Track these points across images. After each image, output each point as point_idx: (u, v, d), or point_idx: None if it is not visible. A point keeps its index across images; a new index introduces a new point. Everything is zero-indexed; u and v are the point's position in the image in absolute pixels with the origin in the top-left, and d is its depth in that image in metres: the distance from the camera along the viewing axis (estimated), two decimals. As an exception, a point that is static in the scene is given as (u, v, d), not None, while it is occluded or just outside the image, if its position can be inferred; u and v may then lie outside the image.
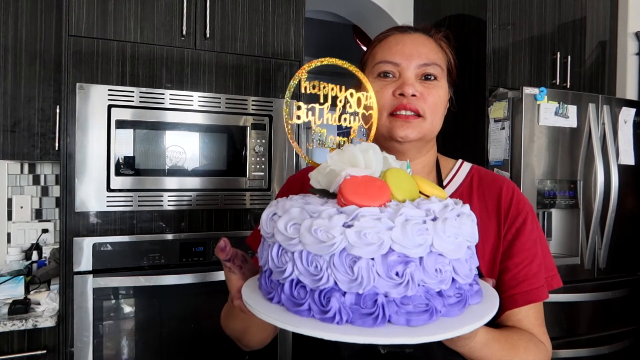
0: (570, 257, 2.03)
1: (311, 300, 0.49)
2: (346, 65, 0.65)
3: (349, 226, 0.47)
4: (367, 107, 0.66)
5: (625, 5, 2.43)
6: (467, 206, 0.56)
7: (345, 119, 0.65)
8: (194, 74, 1.75)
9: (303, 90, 0.62)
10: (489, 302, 0.55)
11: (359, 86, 0.68)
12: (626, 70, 2.42)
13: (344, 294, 0.48)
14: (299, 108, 0.62)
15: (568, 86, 2.26)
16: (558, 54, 2.24)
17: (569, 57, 2.26)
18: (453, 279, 0.50)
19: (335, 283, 0.48)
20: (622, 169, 2.08)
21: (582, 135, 2.02)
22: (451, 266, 0.50)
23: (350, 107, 0.64)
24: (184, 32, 1.71)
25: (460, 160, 0.90)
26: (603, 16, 2.41)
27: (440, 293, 0.49)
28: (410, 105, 0.78)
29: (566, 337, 1.97)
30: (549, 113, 1.95)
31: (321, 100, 0.63)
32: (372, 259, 0.47)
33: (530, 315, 0.78)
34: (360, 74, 0.67)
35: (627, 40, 2.42)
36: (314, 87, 0.62)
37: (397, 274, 0.47)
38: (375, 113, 0.66)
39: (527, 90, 1.92)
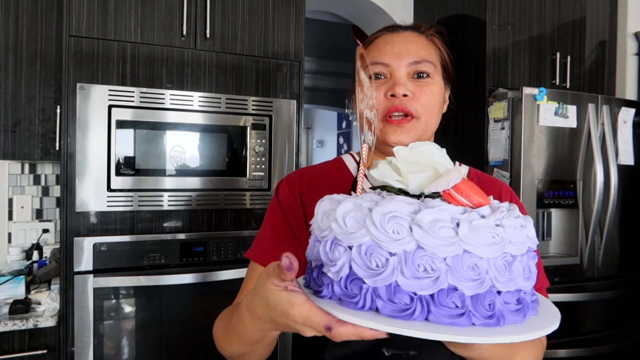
0: (569, 257, 2.03)
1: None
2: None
3: (498, 225, 0.48)
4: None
5: (624, 6, 2.43)
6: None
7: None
8: (194, 74, 1.75)
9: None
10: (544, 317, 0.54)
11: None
12: (626, 70, 2.42)
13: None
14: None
15: (568, 86, 2.26)
16: (558, 54, 2.25)
17: (569, 57, 2.26)
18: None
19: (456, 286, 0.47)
20: (622, 169, 2.09)
21: (582, 136, 2.03)
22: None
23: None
24: (184, 33, 1.71)
25: (457, 163, 0.88)
26: (602, 16, 2.41)
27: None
28: (402, 107, 0.76)
29: (566, 337, 1.97)
30: (548, 113, 1.95)
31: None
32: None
33: None
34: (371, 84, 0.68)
35: (627, 41, 2.42)
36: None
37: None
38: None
39: (527, 91, 1.93)
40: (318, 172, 0.89)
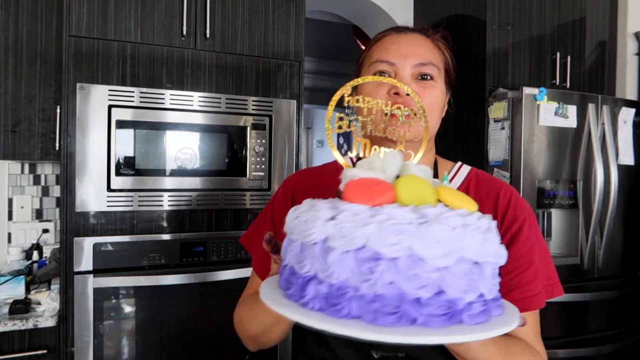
0: (569, 257, 2.03)
1: (296, 286, 0.52)
2: (360, 80, 0.68)
3: (332, 219, 0.49)
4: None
5: (624, 6, 2.43)
6: (487, 221, 0.52)
7: (391, 131, 0.67)
8: (194, 74, 1.75)
9: (346, 104, 0.64)
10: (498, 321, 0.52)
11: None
12: (626, 70, 2.42)
13: (321, 282, 0.49)
14: (341, 119, 0.63)
15: (568, 86, 2.26)
16: (558, 54, 2.25)
17: (569, 57, 2.26)
18: (442, 291, 0.48)
19: (316, 273, 0.50)
20: (622, 169, 2.08)
21: (582, 135, 2.03)
22: (438, 275, 0.47)
23: (369, 114, 0.66)
24: (184, 33, 1.71)
25: (459, 163, 0.89)
26: (603, 16, 2.41)
27: (418, 300, 0.47)
28: (406, 102, 0.75)
29: (566, 337, 1.97)
30: (548, 113, 1.95)
31: (365, 112, 0.65)
32: (347, 251, 0.47)
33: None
34: (384, 79, 0.72)
35: (627, 41, 2.42)
36: (357, 101, 0.64)
37: (368, 270, 0.47)
38: (422, 105, 0.67)
39: (527, 91, 1.93)
40: (316, 174, 0.91)
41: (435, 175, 0.85)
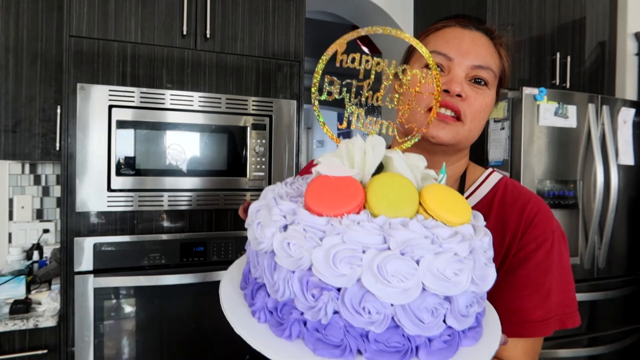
0: (569, 257, 2.03)
1: (249, 288, 0.49)
2: (402, 35, 0.54)
3: (285, 229, 0.44)
4: (424, 89, 0.56)
5: (624, 6, 2.43)
6: (468, 244, 0.44)
7: (391, 100, 0.55)
8: (194, 75, 1.75)
9: (337, 64, 0.52)
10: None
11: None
12: (625, 70, 2.42)
13: (269, 295, 0.46)
14: (331, 83, 0.52)
15: (568, 86, 2.26)
16: (558, 54, 2.25)
17: (569, 58, 2.26)
18: (396, 325, 0.41)
19: (265, 283, 0.46)
20: (622, 169, 2.09)
21: (582, 136, 2.03)
22: (392, 310, 0.41)
23: (401, 87, 0.54)
24: (185, 33, 1.71)
25: (489, 170, 0.81)
26: (602, 16, 2.41)
27: (367, 335, 0.41)
28: (453, 105, 0.70)
29: (566, 337, 1.97)
30: (548, 113, 1.95)
31: (361, 76, 0.53)
32: (293, 272, 0.42)
33: (517, 348, 0.69)
34: (422, 48, 0.55)
35: (627, 41, 2.42)
36: (353, 61, 0.52)
37: (312, 296, 0.42)
38: (438, 95, 0.56)
39: (527, 91, 1.93)
40: None
41: (463, 182, 0.79)
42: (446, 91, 0.70)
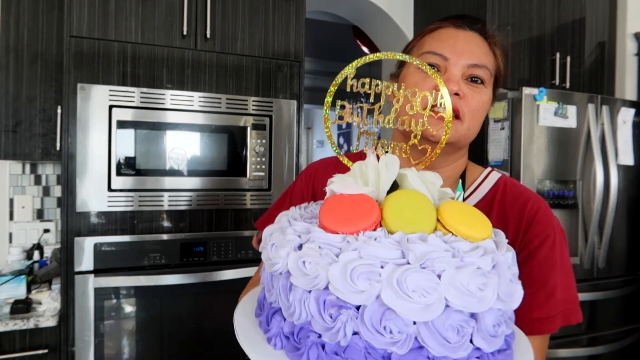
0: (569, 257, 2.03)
1: (264, 314, 0.47)
2: (409, 59, 0.56)
3: (300, 248, 0.43)
4: (434, 111, 0.57)
5: (624, 6, 2.43)
6: (491, 257, 0.42)
7: (404, 122, 0.56)
8: (194, 75, 1.75)
9: (348, 89, 0.54)
10: None
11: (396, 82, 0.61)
12: (625, 70, 2.43)
13: (285, 319, 0.44)
14: (342, 108, 0.53)
15: (567, 86, 2.26)
16: (557, 54, 2.25)
17: (568, 58, 2.27)
18: (420, 346, 0.39)
19: (280, 307, 0.44)
20: (621, 169, 2.09)
21: (582, 136, 2.03)
22: (415, 329, 0.39)
23: (412, 108, 0.56)
24: (185, 33, 1.72)
25: (488, 169, 0.83)
26: (602, 16, 2.41)
27: (389, 357, 0.39)
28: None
29: (566, 337, 1.98)
30: (548, 113, 1.95)
31: (372, 100, 0.54)
32: (310, 291, 0.41)
33: None
34: (433, 73, 0.57)
35: (626, 41, 2.42)
36: (363, 86, 0.53)
37: (330, 316, 0.40)
38: (449, 116, 0.57)
39: (527, 91, 1.93)
40: (339, 163, 0.86)
41: (463, 182, 0.80)
42: None
